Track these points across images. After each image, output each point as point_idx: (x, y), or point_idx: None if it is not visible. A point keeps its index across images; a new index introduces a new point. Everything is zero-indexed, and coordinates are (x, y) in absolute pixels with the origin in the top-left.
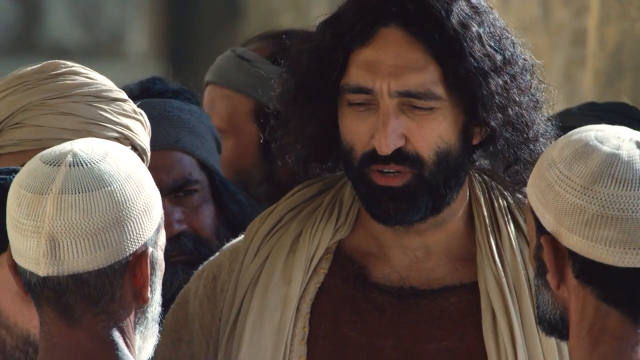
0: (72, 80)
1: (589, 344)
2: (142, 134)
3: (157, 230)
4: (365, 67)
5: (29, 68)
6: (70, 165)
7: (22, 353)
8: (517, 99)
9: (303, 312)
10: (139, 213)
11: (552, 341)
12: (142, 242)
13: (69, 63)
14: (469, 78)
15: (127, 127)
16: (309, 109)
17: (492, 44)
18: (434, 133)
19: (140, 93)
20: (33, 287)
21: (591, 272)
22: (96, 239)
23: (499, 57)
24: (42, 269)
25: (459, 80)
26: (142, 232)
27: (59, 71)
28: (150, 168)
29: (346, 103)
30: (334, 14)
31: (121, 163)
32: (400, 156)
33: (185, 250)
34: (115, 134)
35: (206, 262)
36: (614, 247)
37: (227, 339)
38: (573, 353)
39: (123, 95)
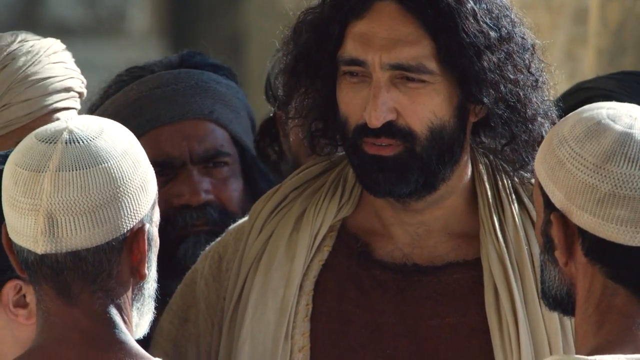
0: (31, 44)
1: (596, 321)
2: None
3: (153, 207)
4: (359, 40)
5: None
6: (66, 143)
7: None
8: (512, 76)
9: (306, 290)
10: (136, 189)
11: (554, 317)
12: (139, 219)
13: (9, 33)
14: (461, 54)
15: (78, 72)
16: (308, 80)
17: (488, 21)
18: (426, 108)
19: (179, 64)
20: (30, 265)
21: (601, 250)
22: (94, 215)
23: (493, 35)
24: (40, 247)
25: (451, 56)
26: (139, 208)
27: (13, 40)
28: (182, 136)
29: (342, 75)
30: None
31: (117, 140)
32: (391, 130)
33: (210, 220)
34: (81, 82)
35: (213, 242)
36: (625, 226)
37: (230, 315)
38: (579, 330)
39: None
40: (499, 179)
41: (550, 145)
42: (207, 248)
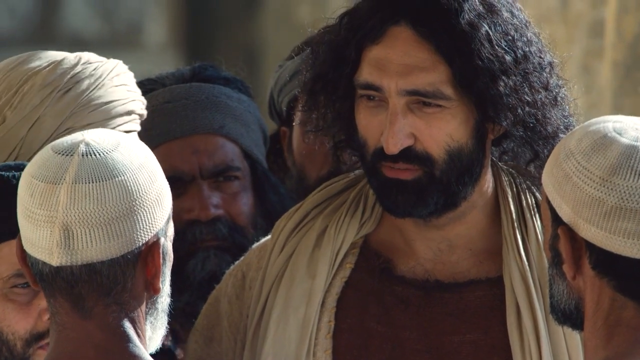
0: (94, 67)
1: (605, 335)
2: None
3: (168, 221)
4: (375, 65)
5: (43, 72)
6: (83, 155)
7: None
8: (529, 98)
9: (329, 306)
10: (152, 203)
11: (576, 336)
12: (154, 232)
13: (73, 55)
14: (477, 79)
15: (139, 93)
16: (326, 100)
17: (503, 44)
18: (442, 132)
19: (191, 77)
20: (45, 277)
21: (608, 264)
22: (109, 228)
23: (508, 58)
24: (55, 259)
25: (467, 81)
26: (155, 222)
27: (77, 62)
28: (192, 151)
29: (360, 97)
30: (351, 8)
31: (133, 153)
32: (409, 155)
33: (219, 236)
34: (142, 104)
35: (237, 261)
36: (632, 239)
37: (253, 333)
38: (588, 344)
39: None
40: (522, 196)
41: (557, 159)
42: (231, 267)
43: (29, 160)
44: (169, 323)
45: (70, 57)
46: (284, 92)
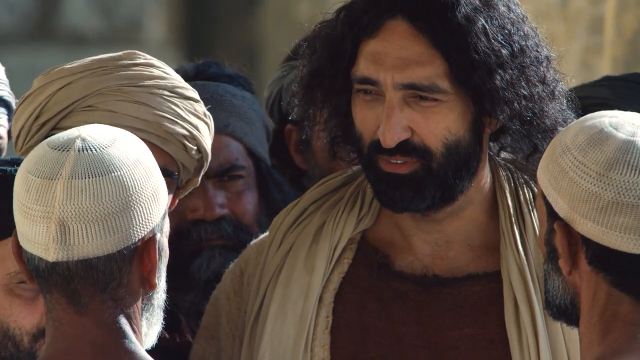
0: (149, 71)
1: (601, 330)
2: (208, 138)
3: (163, 217)
4: (371, 59)
5: (106, 55)
6: (79, 150)
7: (2, 346)
8: (526, 92)
9: (326, 302)
10: (148, 198)
11: (574, 330)
12: (150, 228)
13: (147, 55)
14: (473, 73)
15: (196, 127)
16: (322, 95)
17: (500, 38)
18: (440, 125)
19: (195, 75)
20: (41, 273)
21: (605, 259)
22: (106, 223)
23: (505, 52)
24: (51, 255)
25: (463, 75)
26: (151, 217)
27: (136, 61)
28: None
29: (356, 92)
30: (348, 2)
31: (129, 148)
32: (406, 148)
33: (225, 235)
34: (184, 131)
35: (236, 259)
36: (629, 234)
37: (250, 328)
38: (584, 339)
39: (196, 95)
40: (520, 190)
41: (553, 154)
42: (230, 265)
43: (24, 154)
44: (165, 320)
45: (147, 59)
46: None
